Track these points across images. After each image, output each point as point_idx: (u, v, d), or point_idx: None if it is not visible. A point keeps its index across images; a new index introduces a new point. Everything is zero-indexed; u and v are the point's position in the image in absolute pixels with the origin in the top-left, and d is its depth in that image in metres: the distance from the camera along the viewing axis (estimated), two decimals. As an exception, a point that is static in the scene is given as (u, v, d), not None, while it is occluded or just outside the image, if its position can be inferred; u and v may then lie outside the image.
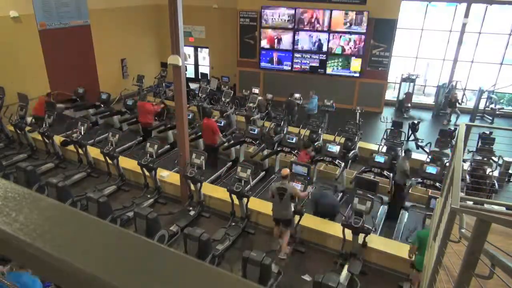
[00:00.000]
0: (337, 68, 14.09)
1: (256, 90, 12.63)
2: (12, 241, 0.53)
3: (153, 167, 7.87)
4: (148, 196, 8.12)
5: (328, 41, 13.81)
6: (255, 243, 6.99)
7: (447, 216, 3.24)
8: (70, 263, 0.49)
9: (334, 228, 6.80)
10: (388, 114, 13.77)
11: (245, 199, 7.07)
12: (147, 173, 8.14)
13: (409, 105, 13.97)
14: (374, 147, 10.24)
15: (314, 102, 11.99)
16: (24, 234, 0.53)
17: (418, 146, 10.89)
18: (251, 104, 11.44)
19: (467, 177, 7.88)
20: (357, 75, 13.94)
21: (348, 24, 13.40)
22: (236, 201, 7.17)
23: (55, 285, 3.96)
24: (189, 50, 16.23)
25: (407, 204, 8.18)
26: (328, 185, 8.90)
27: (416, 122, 11.51)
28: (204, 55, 16.81)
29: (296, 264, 6.51)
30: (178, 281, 0.49)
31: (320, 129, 10.25)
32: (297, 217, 6.66)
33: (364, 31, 13.30)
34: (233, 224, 7.23)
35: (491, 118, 13.38)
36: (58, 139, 9.57)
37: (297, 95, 12.48)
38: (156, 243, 0.55)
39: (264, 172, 9.49)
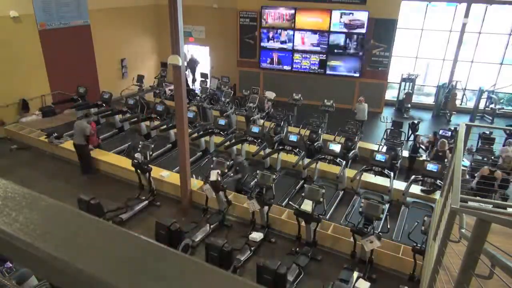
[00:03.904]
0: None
1: (272, 96, 12.57)
2: (12, 241, 0.53)
3: (147, 168, 7.86)
4: (143, 198, 8.10)
5: (328, 41, 13.81)
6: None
7: (447, 216, 3.24)
8: (70, 263, 0.49)
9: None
10: (388, 114, 13.76)
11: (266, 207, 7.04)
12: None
13: (409, 105, 13.96)
14: (374, 147, 10.25)
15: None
16: (24, 234, 0.53)
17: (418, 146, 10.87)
18: (251, 104, 11.44)
19: (476, 179, 7.72)
20: (357, 75, 13.94)
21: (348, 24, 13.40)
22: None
23: (51, 285, 3.96)
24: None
25: (408, 200, 8.20)
26: (329, 183, 8.91)
27: (416, 122, 11.51)
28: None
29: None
30: (178, 281, 0.49)
31: (320, 129, 10.25)
32: None
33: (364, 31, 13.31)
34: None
35: (491, 118, 13.38)
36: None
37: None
38: (156, 243, 0.55)
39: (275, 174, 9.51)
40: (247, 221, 7.51)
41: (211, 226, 7.32)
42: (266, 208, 7.05)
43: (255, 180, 7.37)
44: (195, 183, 8.22)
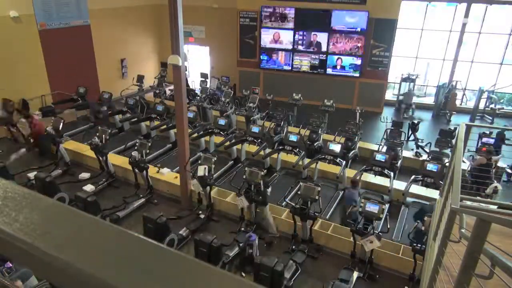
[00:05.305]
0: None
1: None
2: (12, 241, 0.53)
3: (144, 166, 7.88)
4: (140, 195, 8.13)
5: (328, 41, 13.80)
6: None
7: (447, 216, 3.24)
8: (70, 263, 0.49)
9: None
10: (388, 114, 13.76)
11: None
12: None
13: (411, 105, 13.92)
14: (374, 147, 10.25)
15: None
16: (24, 234, 0.53)
17: (418, 146, 10.88)
18: (251, 104, 11.44)
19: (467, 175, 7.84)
20: (357, 75, 13.94)
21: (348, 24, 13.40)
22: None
23: (51, 284, 3.96)
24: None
25: (408, 200, 8.21)
26: (329, 183, 8.91)
27: (416, 122, 11.50)
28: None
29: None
30: (177, 280, 0.49)
31: (320, 129, 10.25)
32: None
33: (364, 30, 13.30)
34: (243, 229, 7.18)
35: (491, 118, 13.38)
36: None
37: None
38: (156, 243, 0.55)
39: (265, 170, 9.50)
40: (236, 217, 7.57)
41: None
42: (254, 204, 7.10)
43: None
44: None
